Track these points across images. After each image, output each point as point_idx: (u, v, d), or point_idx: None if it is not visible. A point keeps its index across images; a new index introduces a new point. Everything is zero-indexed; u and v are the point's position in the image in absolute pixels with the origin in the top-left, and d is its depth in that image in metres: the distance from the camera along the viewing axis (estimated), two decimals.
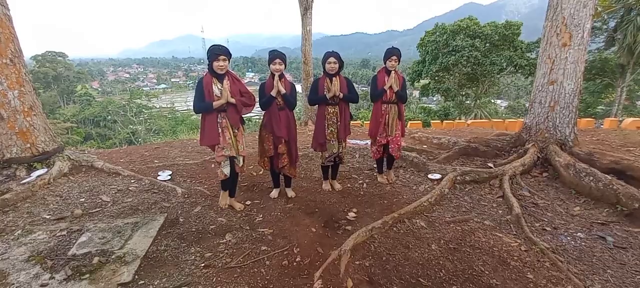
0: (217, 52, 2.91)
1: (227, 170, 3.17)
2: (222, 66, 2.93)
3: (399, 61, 3.60)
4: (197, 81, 2.97)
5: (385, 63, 3.62)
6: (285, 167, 3.49)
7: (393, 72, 3.59)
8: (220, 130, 3.02)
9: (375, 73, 3.76)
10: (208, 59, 2.93)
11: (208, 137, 3.00)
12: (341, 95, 3.45)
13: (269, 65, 3.29)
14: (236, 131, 3.12)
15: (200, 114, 3.06)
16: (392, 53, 3.56)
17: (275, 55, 3.27)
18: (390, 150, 3.81)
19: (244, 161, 3.29)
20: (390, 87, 3.58)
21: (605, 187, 3.27)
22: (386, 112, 3.68)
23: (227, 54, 2.95)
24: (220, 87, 2.95)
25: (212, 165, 3.06)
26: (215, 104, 2.92)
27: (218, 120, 3.01)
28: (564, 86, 3.98)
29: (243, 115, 3.18)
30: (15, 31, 4.00)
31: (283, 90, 3.25)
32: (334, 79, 3.45)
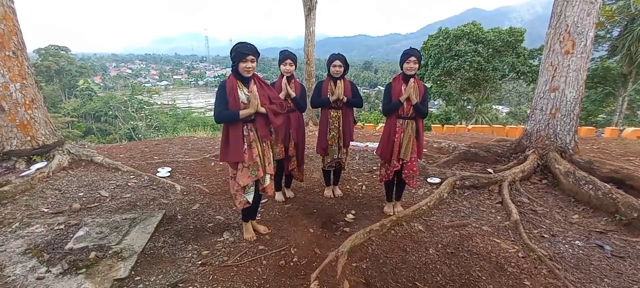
0: (244, 51, 2.41)
1: (250, 197, 2.63)
2: (249, 68, 2.44)
3: (420, 65, 2.96)
4: (219, 85, 2.50)
5: (401, 67, 3.00)
6: (294, 170, 3.48)
7: (412, 80, 2.93)
8: (246, 145, 2.51)
9: (390, 80, 3.21)
10: (233, 59, 2.45)
11: (232, 153, 2.47)
12: (345, 99, 3.33)
13: (279, 65, 3.25)
14: (264, 145, 2.64)
15: (221, 124, 2.54)
16: (411, 54, 2.91)
17: (287, 55, 3.21)
18: (403, 175, 3.11)
19: (271, 180, 2.75)
20: (408, 98, 2.92)
21: (604, 196, 3.27)
22: (401, 130, 3.01)
23: (255, 53, 2.46)
24: (247, 93, 2.48)
25: (234, 190, 2.60)
26: (242, 113, 2.43)
27: (244, 133, 2.50)
28: (566, 94, 3.97)
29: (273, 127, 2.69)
30: (19, 24, 4.01)
31: (293, 94, 3.20)
32: (338, 82, 3.34)
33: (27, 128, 4.03)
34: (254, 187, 2.65)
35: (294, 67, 3.23)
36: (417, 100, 2.92)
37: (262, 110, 2.50)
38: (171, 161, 4.79)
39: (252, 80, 2.54)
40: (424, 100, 2.99)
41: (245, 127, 2.50)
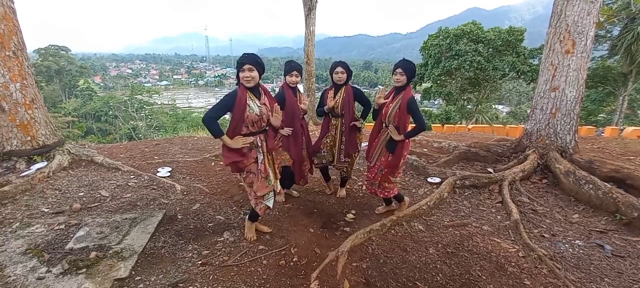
0: (241, 60, 2.38)
1: (271, 202, 2.69)
2: (248, 78, 2.38)
3: (407, 76, 2.75)
4: (229, 92, 2.45)
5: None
6: (305, 173, 3.50)
7: (381, 87, 3.02)
8: (262, 156, 2.55)
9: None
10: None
11: (233, 157, 2.48)
12: (339, 112, 3.31)
13: (285, 76, 3.23)
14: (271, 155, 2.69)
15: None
16: (396, 65, 2.83)
17: (293, 66, 3.18)
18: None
19: (279, 184, 2.81)
20: (385, 109, 2.89)
21: (605, 195, 3.26)
22: (381, 135, 3.04)
23: (254, 63, 2.40)
24: (259, 104, 2.46)
25: (253, 199, 2.65)
26: (229, 142, 2.41)
27: (258, 144, 2.53)
28: (566, 93, 3.97)
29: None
30: (19, 24, 4.01)
31: (306, 108, 3.34)
32: (340, 90, 3.31)
33: (27, 128, 4.03)
34: (273, 192, 2.70)
35: (299, 78, 3.23)
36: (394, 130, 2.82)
37: (277, 124, 2.63)
38: (171, 161, 4.79)
39: (262, 92, 2.55)
40: (414, 113, 2.75)
41: (258, 138, 2.53)
